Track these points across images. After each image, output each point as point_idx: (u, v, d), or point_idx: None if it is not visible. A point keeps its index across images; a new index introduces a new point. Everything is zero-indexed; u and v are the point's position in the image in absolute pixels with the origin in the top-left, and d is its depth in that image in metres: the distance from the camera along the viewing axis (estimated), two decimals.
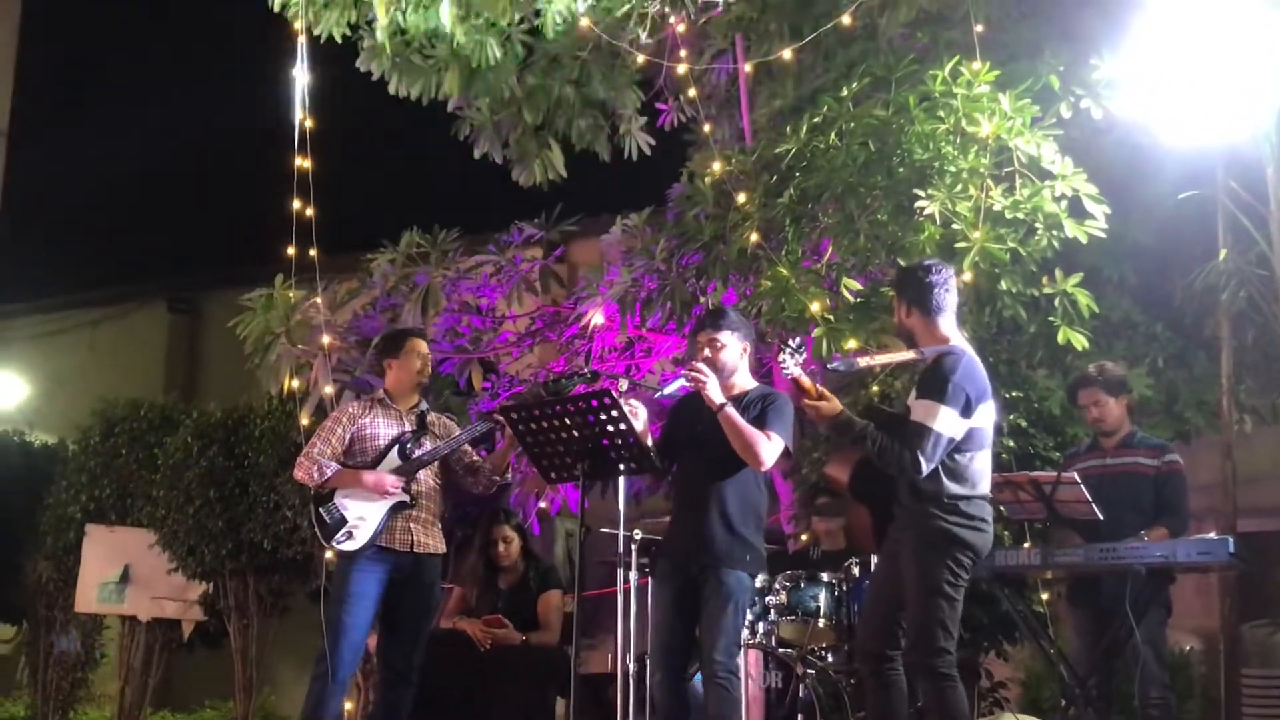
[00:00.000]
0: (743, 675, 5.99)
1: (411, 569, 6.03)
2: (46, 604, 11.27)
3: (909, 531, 5.02)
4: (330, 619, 5.96)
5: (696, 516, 5.41)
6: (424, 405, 6.33)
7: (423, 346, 6.34)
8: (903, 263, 6.43)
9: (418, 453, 6.10)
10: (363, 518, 5.95)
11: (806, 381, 4.97)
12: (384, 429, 6.13)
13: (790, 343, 5.04)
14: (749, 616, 6.37)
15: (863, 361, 5.51)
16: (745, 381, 5.57)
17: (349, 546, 5.93)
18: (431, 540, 6.10)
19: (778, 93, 7.76)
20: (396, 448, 6.09)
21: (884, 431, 4.97)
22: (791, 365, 4.97)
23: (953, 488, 4.93)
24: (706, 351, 5.47)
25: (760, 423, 5.31)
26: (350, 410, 6.22)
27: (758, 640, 6.48)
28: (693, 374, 5.30)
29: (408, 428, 6.17)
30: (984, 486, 5.05)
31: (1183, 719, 7.26)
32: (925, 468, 4.86)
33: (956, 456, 4.95)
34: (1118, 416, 6.38)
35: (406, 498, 6.01)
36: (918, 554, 4.96)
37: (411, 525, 6.02)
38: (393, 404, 6.22)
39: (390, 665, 6.09)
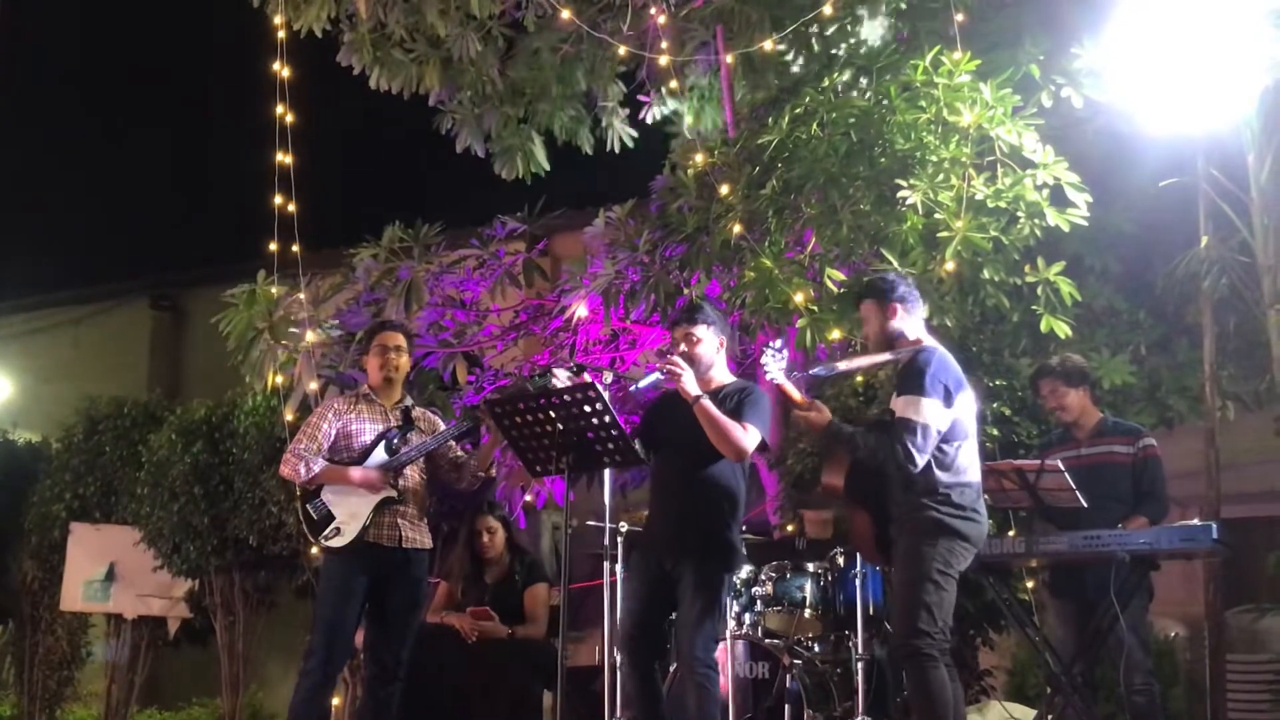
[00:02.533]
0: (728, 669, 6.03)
1: (400, 564, 6.01)
2: (32, 603, 11.24)
3: (905, 524, 5.08)
4: (319, 615, 5.96)
5: (673, 511, 5.43)
6: (408, 401, 6.31)
7: (390, 339, 6.25)
8: (887, 253, 6.46)
9: (404, 449, 6.10)
10: (351, 514, 5.93)
11: (791, 389, 5.00)
12: (369, 425, 6.11)
13: (771, 345, 5.04)
14: (735, 608, 6.39)
15: (842, 365, 5.57)
16: (723, 375, 5.58)
17: (337, 543, 5.91)
18: (419, 536, 6.09)
19: (759, 84, 7.75)
20: (383, 443, 6.07)
21: (873, 433, 5.03)
22: (774, 368, 4.99)
23: (944, 478, 5.01)
24: (683, 346, 5.47)
25: (736, 415, 5.30)
26: (335, 406, 6.19)
27: (744, 631, 6.50)
28: (668, 367, 5.30)
29: (393, 423, 6.15)
30: (973, 475, 5.11)
31: (1168, 705, 7.27)
32: (920, 459, 4.93)
33: (944, 447, 5.03)
34: (1077, 407, 6.41)
35: (394, 493, 6.00)
36: (911, 542, 5.02)
37: (399, 521, 6.00)
38: (377, 399, 6.21)
39: (378, 661, 6.07)
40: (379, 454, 6.04)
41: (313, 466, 5.96)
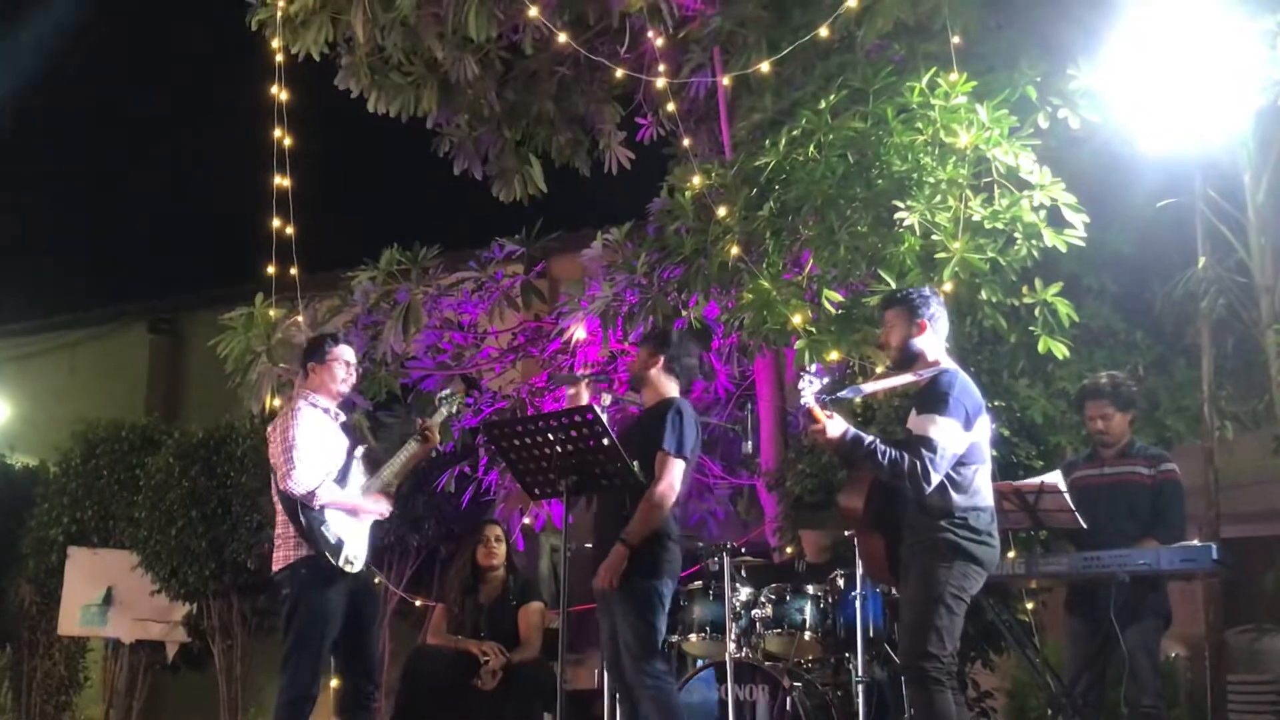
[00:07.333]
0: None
1: (365, 582, 6.00)
2: (29, 627, 11.22)
3: (918, 546, 5.05)
4: (306, 642, 5.81)
5: (605, 533, 5.52)
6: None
7: (351, 354, 6.19)
8: (884, 274, 6.45)
9: (384, 466, 6.05)
10: (352, 537, 5.87)
11: (819, 412, 4.98)
12: (339, 442, 6.01)
13: (807, 370, 5.02)
14: (734, 631, 6.37)
15: (867, 387, 5.53)
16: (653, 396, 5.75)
17: (352, 569, 5.84)
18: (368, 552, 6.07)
19: (756, 106, 7.76)
20: (356, 462, 6.01)
21: (893, 446, 5.01)
22: (808, 393, 4.96)
23: (960, 501, 4.99)
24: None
25: (656, 434, 5.48)
26: (318, 422, 5.97)
27: (744, 654, 6.47)
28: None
29: (345, 437, 6.08)
30: (988, 499, 5.10)
31: None
32: (934, 478, 4.91)
33: (962, 470, 5.01)
34: (1120, 431, 6.40)
35: (387, 513, 6.01)
36: (923, 564, 5.00)
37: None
38: (331, 412, 6.07)
39: (356, 686, 6.00)
40: (358, 472, 5.99)
41: (335, 494, 5.84)
